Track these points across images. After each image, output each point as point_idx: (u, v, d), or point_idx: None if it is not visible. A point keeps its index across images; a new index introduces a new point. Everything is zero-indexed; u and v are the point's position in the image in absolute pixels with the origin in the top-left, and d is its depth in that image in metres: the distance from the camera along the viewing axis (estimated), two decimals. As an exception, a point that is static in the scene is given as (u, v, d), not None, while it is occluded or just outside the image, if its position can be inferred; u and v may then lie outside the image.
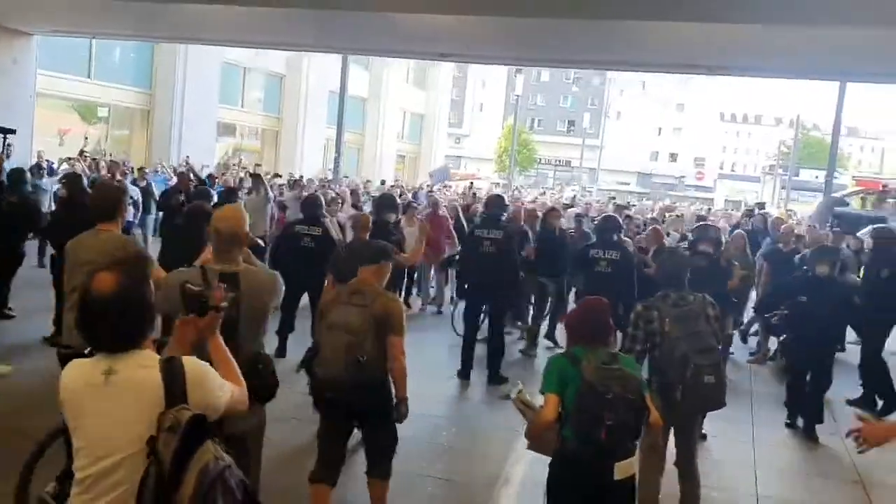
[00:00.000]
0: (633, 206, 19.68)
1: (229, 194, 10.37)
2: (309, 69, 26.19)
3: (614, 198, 17.78)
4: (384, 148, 32.29)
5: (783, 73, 12.55)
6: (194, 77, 21.03)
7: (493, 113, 74.65)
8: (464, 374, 7.64)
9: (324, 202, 8.83)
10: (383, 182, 22.04)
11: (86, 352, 2.23)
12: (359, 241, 6.73)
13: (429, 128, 38.22)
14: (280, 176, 16.83)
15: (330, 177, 21.16)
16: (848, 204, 16.64)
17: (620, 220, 8.89)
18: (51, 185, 12.01)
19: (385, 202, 8.68)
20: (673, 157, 77.98)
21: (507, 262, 7.64)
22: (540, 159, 66.37)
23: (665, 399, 4.12)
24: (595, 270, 7.58)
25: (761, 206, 13.64)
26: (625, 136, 72.79)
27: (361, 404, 4.00)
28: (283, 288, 3.44)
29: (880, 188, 20.61)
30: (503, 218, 8.23)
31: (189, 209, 7.35)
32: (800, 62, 10.83)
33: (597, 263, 7.61)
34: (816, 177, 45.41)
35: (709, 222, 11.40)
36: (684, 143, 77.30)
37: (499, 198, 8.58)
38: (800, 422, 6.84)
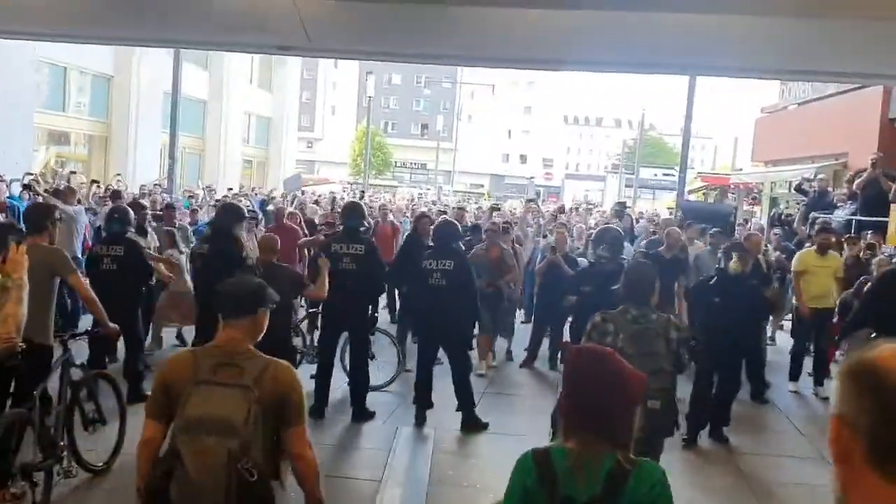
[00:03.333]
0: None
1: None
2: (140, 69, 24.14)
3: (499, 207, 17.15)
4: (228, 153, 30.49)
5: (633, 68, 12.37)
6: (3, 77, 18.72)
7: (345, 116, 73.42)
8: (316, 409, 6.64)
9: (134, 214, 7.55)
10: (230, 189, 20.55)
11: None
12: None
13: (277, 131, 36.61)
14: (97, 183, 14.96)
15: (166, 185, 19.44)
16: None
17: (458, 227, 7.99)
18: None
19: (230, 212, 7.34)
20: (523, 158, 79.70)
21: (368, 281, 6.79)
22: (395, 162, 65.89)
23: None
24: (428, 283, 6.75)
25: (622, 205, 13.53)
26: (477, 138, 73.67)
27: None
28: None
29: (728, 184, 21.50)
30: (363, 229, 7.30)
31: None
32: (647, 54, 10.58)
33: (430, 275, 6.76)
34: (655, 175, 47.47)
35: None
36: (533, 145, 79.19)
37: (356, 206, 7.65)
38: (702, 440, 6.57)
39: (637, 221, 11.88)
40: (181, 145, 22.15)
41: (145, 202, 10.84)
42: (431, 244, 7.34)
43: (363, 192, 26.08)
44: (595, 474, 2.04)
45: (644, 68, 12.32)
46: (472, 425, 6.75)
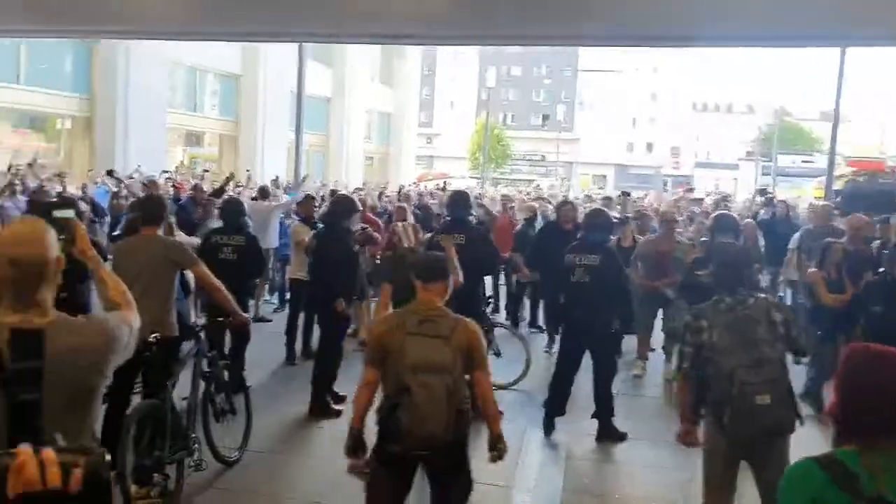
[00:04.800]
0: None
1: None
2: (266, 68, 24.76)
3: (628, 193, 16.46)
4: (351, 150, 30.92)
5: (780, 41, 11.39)
6: (139, 80, 19.53)
7: (464, 110, 73.44)
8: None
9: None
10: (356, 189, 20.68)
11: None
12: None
13: (397, 127, 36.91)
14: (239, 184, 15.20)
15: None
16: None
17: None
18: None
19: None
20: (649, 147, 77.27)
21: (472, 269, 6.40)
22: (515, 155, 65.30)
23: (715, 424, 3.66)
24: (570, 280, 6.23)
25: (763, 192, 12.56)
26: (599, 128, 71.97)
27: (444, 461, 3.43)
28: (123, 343, 2.28)
29: (883, 168, 19.78)
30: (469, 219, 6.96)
31: None
32: (797, 26, 9.64)
33: (573, 271, 6.21)
34: (793, 162, 44.76)
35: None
36: (659, 134, 76.61)
37: (461, 195, 7.24)
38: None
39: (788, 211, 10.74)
40: (306, 143, 22.52)
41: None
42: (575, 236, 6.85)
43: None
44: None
45: (790, 41, 11.32)
46: (608, 436, 6.20)
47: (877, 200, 9.32)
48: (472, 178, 40.92)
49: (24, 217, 2.97)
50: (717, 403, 3.61)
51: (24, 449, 1.54)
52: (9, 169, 14.92)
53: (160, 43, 18.40)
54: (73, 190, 12.16)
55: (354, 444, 3.51)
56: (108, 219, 10.58)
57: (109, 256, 5.22)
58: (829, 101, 14.02)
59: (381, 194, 15.55)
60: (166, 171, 18.33)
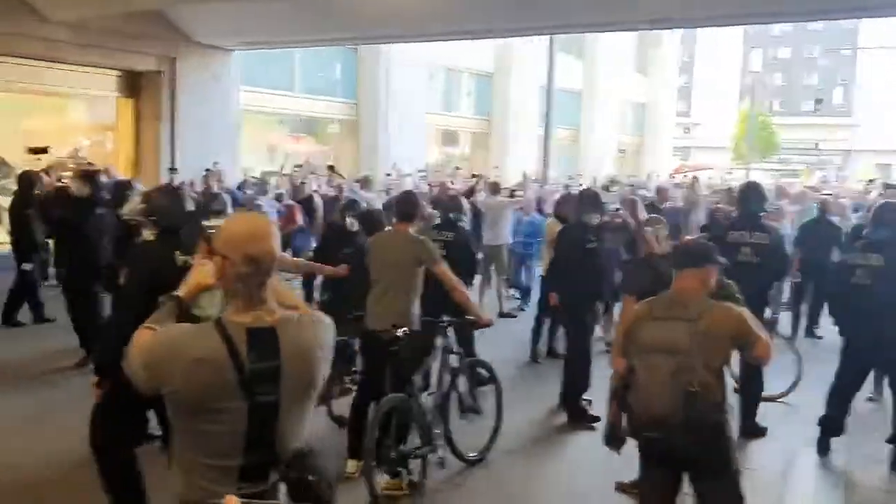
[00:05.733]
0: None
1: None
2: (517, 64, 24.94)
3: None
4: (602, 142, 30.28)
5: None
6: (399, 84, 20.55)
7: (726, 97, 69.19)
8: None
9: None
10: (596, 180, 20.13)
11: None
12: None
13: (653, 117, 35.56)
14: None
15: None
16: None
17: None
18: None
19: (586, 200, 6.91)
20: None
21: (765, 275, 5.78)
22: (783, 144, 60.27)
23: None
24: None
25: None
26: (882, 112, 64.26)
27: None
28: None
29: None
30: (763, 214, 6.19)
31: None
32: None
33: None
34: None
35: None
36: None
37: (756, 187, 6.52)
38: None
39: None
40: (556, 137, 22.36)
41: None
42: None
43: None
44: None
45: None
46: None
47: None
48: (735, 169, 38.38)
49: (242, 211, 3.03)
50: None
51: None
52: (281, 168, 16.41)
53: (418, 46, 19.22)
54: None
55: (610, 434, 3.62)
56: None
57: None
58: None
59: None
60: (422, 171, 19.17)
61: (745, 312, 3.44)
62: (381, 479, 4.53)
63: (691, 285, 3.47)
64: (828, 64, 69.08)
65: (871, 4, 10.01)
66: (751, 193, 6.20)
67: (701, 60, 69.22)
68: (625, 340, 3.58)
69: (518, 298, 10.78)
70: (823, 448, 5.56)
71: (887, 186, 13.80)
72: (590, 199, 6.66)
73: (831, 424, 5.51)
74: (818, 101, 62.25)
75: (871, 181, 20.12)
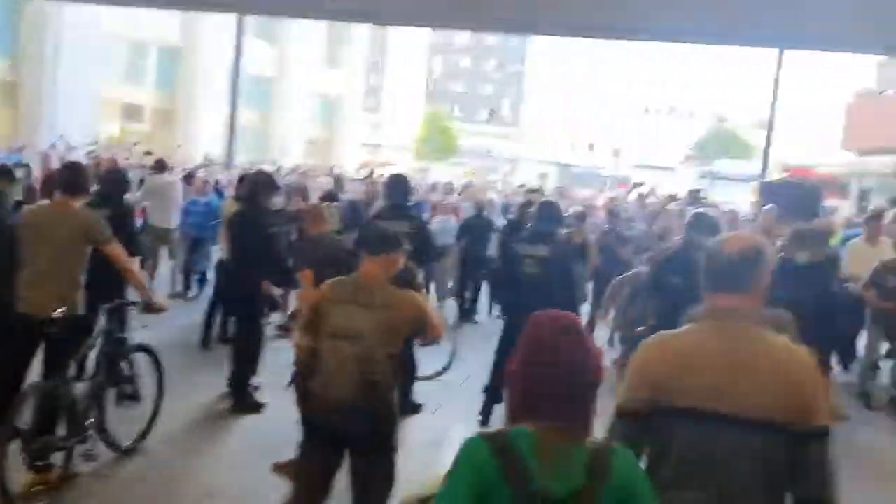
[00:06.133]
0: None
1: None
2: (206, 42, 24.04)
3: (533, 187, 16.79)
4: (291, 131, 30.33)
5: (715, 39, 11.54)
6: (71, 47, 18.69)
7: (411, 99, 72.90)
8: None
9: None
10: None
11: None
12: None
13: (341, 111, 36.41)
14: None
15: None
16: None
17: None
18: None
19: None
20: (591, 147, 78.09)
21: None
22: (460, 148, 65.06)
23: None
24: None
25: (696, 192, 12.72)
26: (544, 126, 72.43)
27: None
28: None
29: (814, 174, 20.36)
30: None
31: None
32: (734, 24, 9.73)
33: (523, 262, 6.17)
34: (729, 167, 45.79)
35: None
36: (601, 134, 77.51)
37: (401, 179, 6.90)
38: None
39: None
40: (244, 121, 21.95)
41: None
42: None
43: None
44: (571, 464, 1.74)
45: (730, 40, 11.43)
46: None
47: (796, 202, 9.42)
48: (415, 168, 40.59)
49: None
50: None
51: None
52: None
53: (95, 8, 17.67)
54: None
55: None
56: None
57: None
58: (766, 109, 14.20)
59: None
60: (91, 146, 17.57)
61: (420, 297, 3.66)
62: (24, 474, 4.16)
63: (377, 271, 3.57)
64: (500, 78, 75.99)
65: (540, 22, 10.98)
66: (396, 185, 6.62)
67: (390, 62, 72.13)
68: (312, 320, 3.60)
69: (198, 281, 10.35)
70: (487, 415, 6.14)
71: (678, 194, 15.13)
72: (267, 182, 6.57)
73: (494, 393, 6.12)
74: (491, 111, 68.29)
75: (520, 186, 22.50)
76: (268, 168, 14.31)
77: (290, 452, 4.85)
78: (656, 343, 2.21)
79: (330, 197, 8.51)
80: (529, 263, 6.00)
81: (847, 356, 8.26)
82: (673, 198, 14.20)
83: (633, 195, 17.69)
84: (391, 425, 3.50)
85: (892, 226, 9.52)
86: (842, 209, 18.12)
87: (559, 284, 5.84)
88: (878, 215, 9.68)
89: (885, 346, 8.17)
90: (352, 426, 3.36)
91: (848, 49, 11.37)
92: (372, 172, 15.51)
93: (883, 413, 7.60)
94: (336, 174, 13.23)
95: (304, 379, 3.58)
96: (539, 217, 6.36)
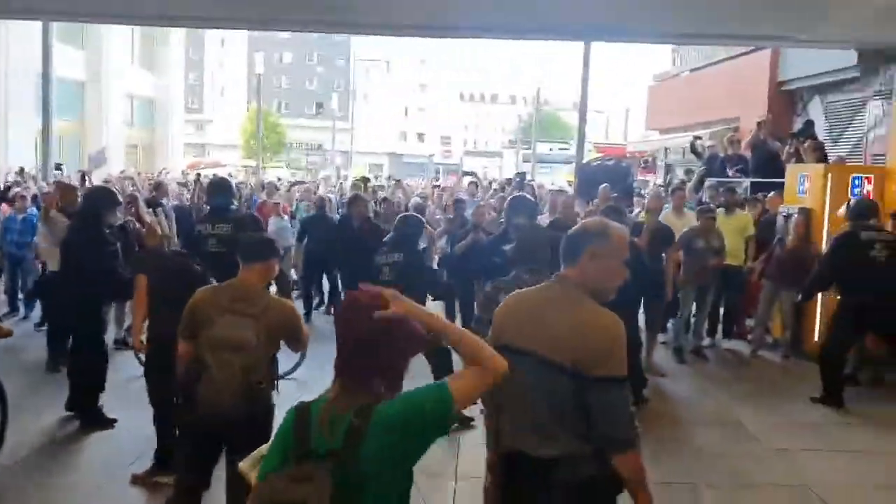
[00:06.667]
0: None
1: None
2: (8, 45, 22.42)
3: (368, 179, 17.23)
4: (110, 137, 28.86)
5: (528, 34, 12.26)
6: None
7: (236, 97, 71.04)
8: None
9: None
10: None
11: None
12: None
13: (163, 113, 35.02)
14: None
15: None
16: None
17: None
18: None
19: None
20: (420, 137, 79.41)
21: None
22: (291, 144, 64.26)
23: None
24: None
25: (522, 175, 13.47)
26: (374, 117, 72.88)
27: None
28: None
29: (624, 154, 21.95)
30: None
31: None
32: (542, 20, 10.43)
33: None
34: (551, 149, 48.22)
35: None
36: (430, 123, 79.01)
37: (222, 183, 7.02)
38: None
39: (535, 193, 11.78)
40: (58, 130, 20.69)
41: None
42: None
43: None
44: (340, 425, 1.94)
45: (539, 34, 12.22)
46: None
47: (609, 180, 10.30)
48: (244, 166, 39.74)
49: None
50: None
51: None
52: None
53: None
54: None
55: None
56: None
57: None
58: (575, 94, 15.16)
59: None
60: None
61: (294, 306, 3.78)
62: None
63: (253, 279, 3.66)
64: (325, 72, 75.55)
65: (361, 22, 11.21)
66: (217, 189, 6.70)
67: (209, 59, 69.89)
68: (188, 326, 3.62)
69: (24, 301, 9.77)
70: None
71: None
72: (107, 198, 6.30)
73: None
74: (319, 106, 67.82)
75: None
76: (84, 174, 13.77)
77: (145, 464, 4.94)
78: (510, 296, 2.77)
79: (153, 204, 8.33)
80: (385, 272, 6.18)
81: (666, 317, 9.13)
82: (510, 182, 14.98)
83: (465, 183, 18.46)
84: (270, 422, 3.59)
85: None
86: (653, 184, 19.73)
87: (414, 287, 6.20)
88: (680, 188, 10.77)
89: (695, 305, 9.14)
90: (236, 429, 3.43)
91: (645, 39, 12.46)
92: (198, 176, 15.24)
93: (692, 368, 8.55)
94: (156, 181, 12.97)
95: (186, 386, 3.61)
96: (396, 228, 6.54)
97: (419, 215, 7.45)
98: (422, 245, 7.90)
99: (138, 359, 5.57)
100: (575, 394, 2.45)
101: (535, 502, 2.53)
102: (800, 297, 8.02)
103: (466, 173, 17.57)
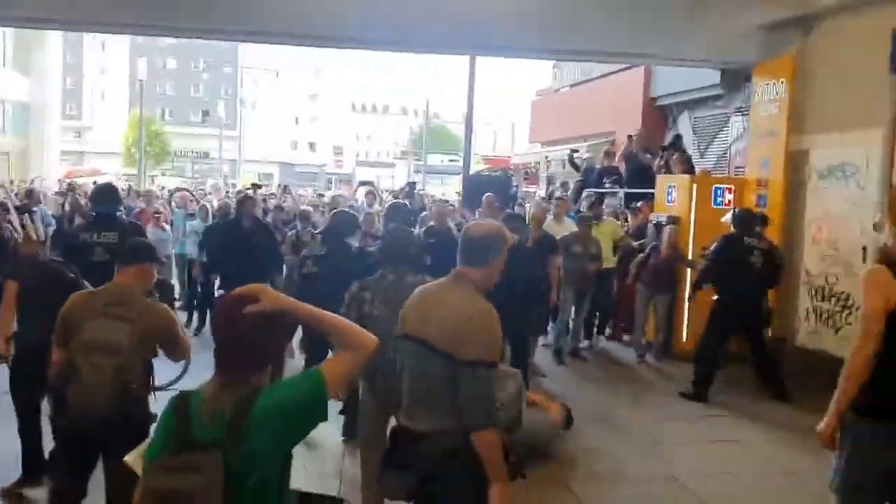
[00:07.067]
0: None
1: None
2: None
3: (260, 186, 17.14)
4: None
5: (412, 47, 12.50)
6: None
7: (117, 103, 68.27)
8: None
9: None
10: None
11: None
12: None
13: (38, 119, 33.37)
14: None
15: None
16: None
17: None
18: None
19: None
20: (312, 146, 78.65)
21: None
22: (176, 152, 62.29)
23: (370, 383, 4.14)
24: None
25: (412, 185, 13.77)
26: (263, 126, 71.65)
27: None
28: None
29: (509, 165, 22.59)
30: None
31: None
32: (428, 33, 10.67)
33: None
34: (441, 160, 48.98)
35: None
36: (321, 133, 78.42)
37: (108, 189, 6.76)
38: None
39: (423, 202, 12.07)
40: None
41: None
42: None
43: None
44: (222, 415, 2.00)
45: (426, 48, 12.46)
46: None
47: (493, 190, 10.64)
48: (126, 175, 38.32)
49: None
50: (371, 368, 3.83)
51: None
52: None
53: None
54: None
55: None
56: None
57: None
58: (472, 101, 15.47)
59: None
60: None
61: (172, 312, 3.78)
62: None
63: (130, 282, 3.66)
64: (211, 79, 73.75)
65: (248, 30, 11.09)
66: (102, 195, 6.49)
67: (88, 64, 67.03)
68: (61, 332, 3.58)
69: None
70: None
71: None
72: None
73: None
74: (205, 113, 66.10)
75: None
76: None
77: (14, 475, 4.80)
78: (416, 290, 3.13)
79: (25, 211, 8.09)
80: (309, 265, 6.40)
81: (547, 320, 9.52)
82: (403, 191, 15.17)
83: (360, 193, 18.64)
84: (146, 427, 3.55)
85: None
86: (536, 194, 20.37)
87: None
88: (560, 199, 11.25)
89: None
90: (110, 432, 3.41)
91: (527, 55, 12.89)
92: (71, 184, 14.87)
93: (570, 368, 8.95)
94: (28, 188, 12.61)
95: (59, 391, 3.55)
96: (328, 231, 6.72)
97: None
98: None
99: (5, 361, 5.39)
100: (447, 374, 2.78)
101: (409, 469, 2.90)
102: (688, 294, 8.76)
103: (363, 183, 17.76)
